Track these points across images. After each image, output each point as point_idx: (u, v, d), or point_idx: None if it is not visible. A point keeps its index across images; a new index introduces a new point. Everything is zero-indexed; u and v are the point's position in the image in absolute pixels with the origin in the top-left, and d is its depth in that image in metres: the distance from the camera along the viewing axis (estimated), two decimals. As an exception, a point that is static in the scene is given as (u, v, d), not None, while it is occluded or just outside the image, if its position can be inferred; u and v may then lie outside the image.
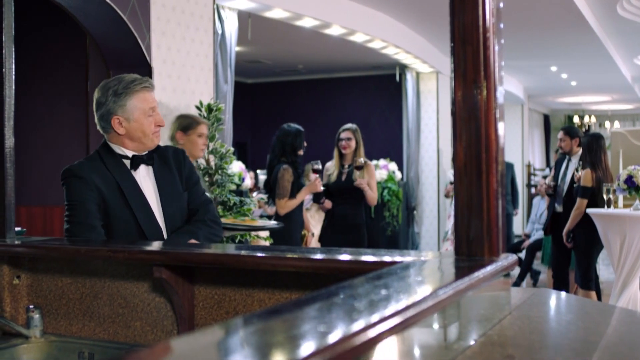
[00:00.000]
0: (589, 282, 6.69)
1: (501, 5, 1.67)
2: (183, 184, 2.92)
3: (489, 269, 1.52)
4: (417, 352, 1.30)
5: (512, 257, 1.65)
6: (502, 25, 1.67)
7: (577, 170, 6.92)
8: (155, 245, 2.40)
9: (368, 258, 1.79)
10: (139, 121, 2.78)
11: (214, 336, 1.01)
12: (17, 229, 2.69)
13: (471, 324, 1.53)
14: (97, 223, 2.70)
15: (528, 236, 10.20)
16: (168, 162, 2.91)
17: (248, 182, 8.45)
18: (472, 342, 1.42)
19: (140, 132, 2.80)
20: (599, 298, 7.10)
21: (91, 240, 2.62)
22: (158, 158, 2.89)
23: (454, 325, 1.45)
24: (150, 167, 2.86)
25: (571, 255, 7.09)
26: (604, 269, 9.68)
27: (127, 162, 2.82)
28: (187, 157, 3.02)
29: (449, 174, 9.38)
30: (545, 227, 7.53)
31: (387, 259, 1.76)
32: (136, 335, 2.22)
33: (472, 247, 1.62)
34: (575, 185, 6.91)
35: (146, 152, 2.86)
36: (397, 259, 1.72)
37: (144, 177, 2.84)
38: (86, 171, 2.78)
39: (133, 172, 2.81)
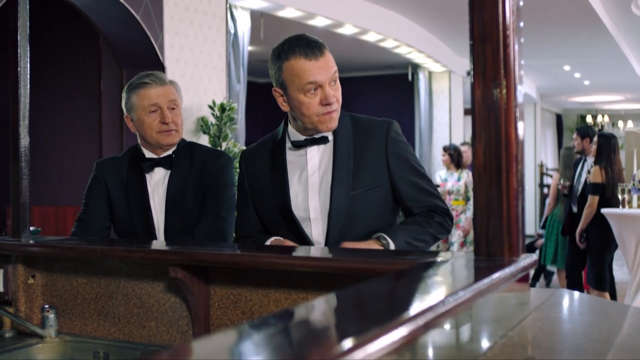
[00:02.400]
0: (603, 282, 6.66)
1: (521, 3, 1.65)
2: (199, 195, 2.74)
3: (509, 269, 1.50)
4: (437, 353, 1.29)
5: (532, 257, 1.63)
6: (522, 24, 1.65)
7: (589, 172, 6.90)
8: (171, 245, 2.40)
9: (386, 259, 1.78)
10: (140, 119, 2.70)
11: (233, 338, 1.00)
12: (32, 228, 2.69)
13: (491, 325, 1.51)
14: (93, 221, 2.77)
15: (541, 236, 10.14)
16: (192, 169, 2.74)
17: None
18: (492, 344, 1.40)
19: (142, 130, 2.72)
20: (614, 299, 7.07)
21: (107, 240, 2.62)
22: (184, 161, 2.75)
23: (474, 326, 1.43)
24: (168, 171, 2.75)
25: (586, 255, 7.06)
26: (618, 270, 9.62)
27: (146, 164, 2.75)
28: (221, 165, 2.77)
29: (436, 177, 8.71)
30: (563, 227, 7.54)
31: (405, 259, 1.74)
32: (151, 336, 2.21)
33: (491, 247, 1.60)
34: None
35: (167, 154, 2.75)
36: (416, 259, 1.71)
37: (158, 181, 2.75)
38: (105, 168, 2.82)
39: (147, 175, 2.74)
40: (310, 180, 2.37)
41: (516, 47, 1.60)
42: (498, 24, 1.59)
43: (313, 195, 2.36)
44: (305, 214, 2.36)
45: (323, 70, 2.26)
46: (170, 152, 2.76)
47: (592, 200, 6.59)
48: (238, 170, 2.56)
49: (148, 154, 2.76)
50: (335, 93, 2.30)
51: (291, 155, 2.41)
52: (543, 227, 8.69)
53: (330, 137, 2.38)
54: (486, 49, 1.59)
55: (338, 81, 2.33)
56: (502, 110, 1.58)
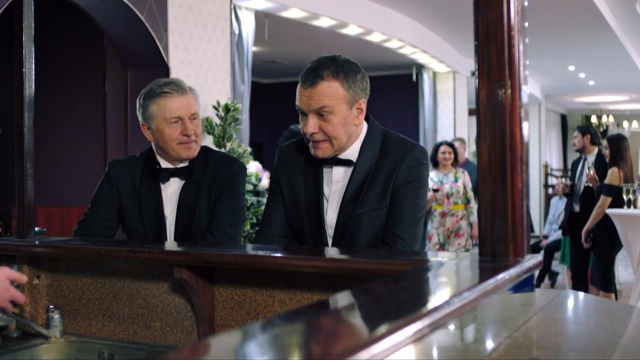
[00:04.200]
0: (609, 283, 6.63)
1: (526, 3, 1.65)
2: (211, 203, 2.67)
3: (514, 270, 1.50)
4: (442, 354, 1.28)
5: (537, 258, 1.62)
6: (526, 24, 1.65)
7: (589, 169, 6.87)
8: (176, 246, 2.40)
9: (391, 259, 1.78)
10: (159, 130, 2.62)
11: (237, 338, 1.00)
12: (37, 229, 2.69)
13: (496, 326, 1.51)
14: (97, 226, 2.74)
15: (546, 237, 10.13)
16: (205, 175, 2.68)
17: (265, 182, 8.44)
18: (497, 344, 1.40)
19: (162, 141, 2.64)
20: (615, 299, 7.05)
21: (111, 241, 2.62)
22: (198, 169, 2.68)
23: (479, 326, 1.43)
24: (183, 182, 2.68)
25: (589, 255, 7.03)
26: (623, 270, 9.60)
27: (162, 175, 2.69)
28: (234, 173, 2.70)
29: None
30: (563, 227, 7.49)
31: (410, 260, 1.74)
32: (156, 336, 2.22)
33: (496, 248, 1.60)
34: (590, 185, 6.87)
35: (184, 165, 2.69)
36: (421, 260, 1.71)
37: (173, 191, 2.69)
38: (118, 170, 2.77)
39: (162, 185, 2.69)
40: (331, 197, 2.42)
41: (521, 47, 1.60)
42: (503, 24, 1.58)
43: (332, 211, 2.41)
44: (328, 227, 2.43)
45: (309, 100, 2.33)
46: (187, 162, 2.70)
47: (605, 200, 6.52)
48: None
49: (164, 163, 2.70)
50: (325, 126, 2.33)
51: (324, 168, 2.45)
52: (560, 228, 8.61)
53: (354, 159, 2.40)
54: (491, 49, 1.59)
55: (330, 115, 2.33)
56: (507, 111, 1.58)
